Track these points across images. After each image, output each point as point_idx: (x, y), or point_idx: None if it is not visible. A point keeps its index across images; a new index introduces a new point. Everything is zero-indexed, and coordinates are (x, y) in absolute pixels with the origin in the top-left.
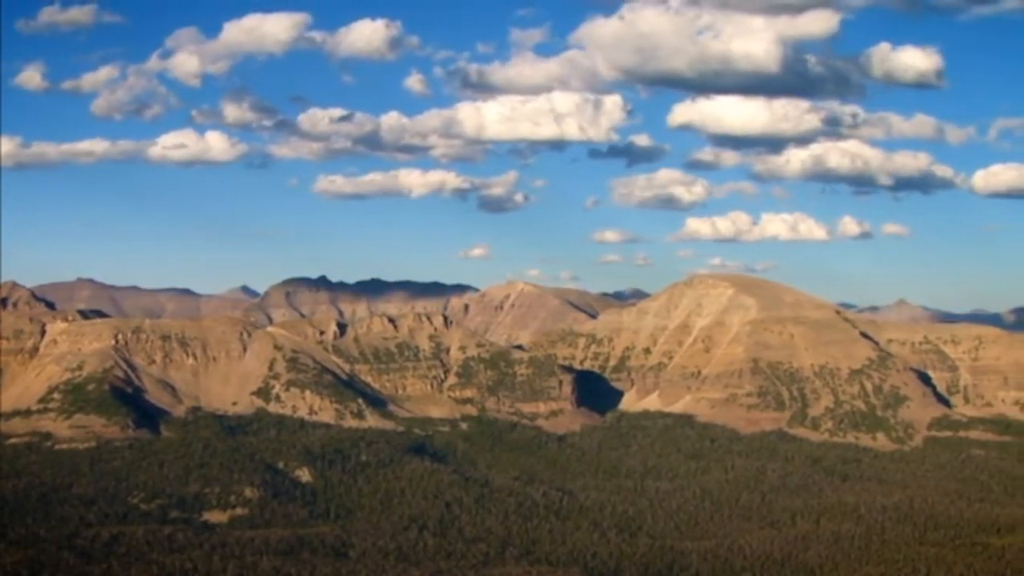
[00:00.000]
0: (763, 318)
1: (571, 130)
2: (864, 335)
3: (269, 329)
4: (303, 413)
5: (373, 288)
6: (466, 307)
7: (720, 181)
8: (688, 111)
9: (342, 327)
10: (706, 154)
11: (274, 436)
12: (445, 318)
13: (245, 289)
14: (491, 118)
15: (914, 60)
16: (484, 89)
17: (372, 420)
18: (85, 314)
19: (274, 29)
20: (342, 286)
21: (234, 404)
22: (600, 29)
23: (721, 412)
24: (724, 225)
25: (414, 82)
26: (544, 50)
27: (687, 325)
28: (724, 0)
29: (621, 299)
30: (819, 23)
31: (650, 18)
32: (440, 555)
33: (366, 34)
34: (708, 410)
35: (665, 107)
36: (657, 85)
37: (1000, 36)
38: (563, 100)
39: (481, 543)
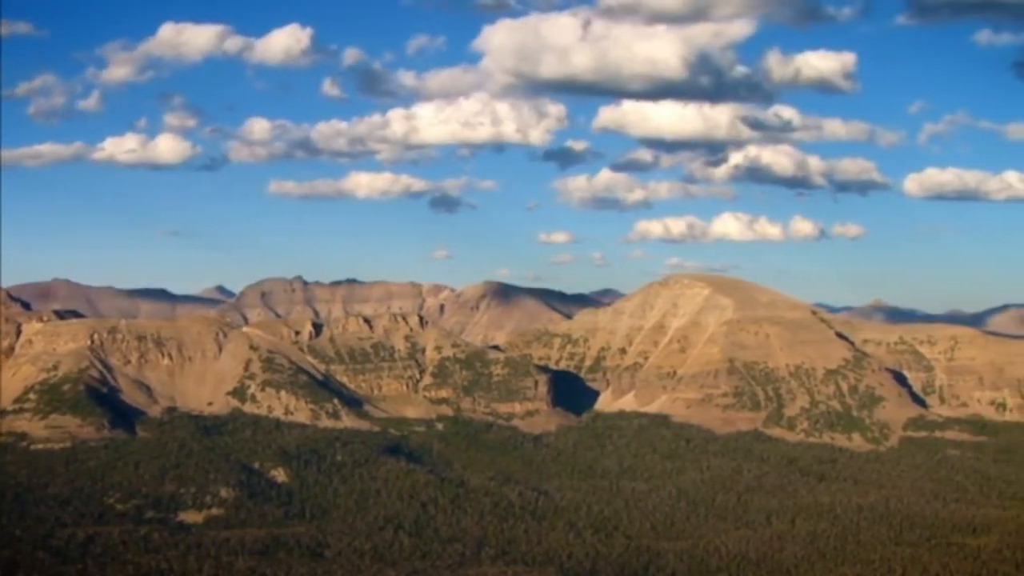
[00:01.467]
0: (739, 318)
1: (504, 134)
2: (840, 335)
3: (245, 329)
4: (279, 413)
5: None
6: (441, 307)
7: (662, 183)
8: (613, 115)
9: (318, 327)
10: (642, 156)
11: (249, 436)
12: (421, 318)
13: (220, 289)
14: (424, 123)
15: (827, 65)
16: (397, 95)
17: (348, 420)
18: (61, 314)
19: (199, 39)
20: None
21: (209, 404)
22: (501, 36)
23: (697, 412)
24: (677, 226)
25: (329, 87)
26: (449, 57)
27: (663, 325)
28: (610, 10)
29: (596, 299)
30: (719, 32)
31: (550, 26)
32: (416, 555)
33: (286, 42)
34: (684, 410)
35: (582, 112)
36: (571, 92)
37: (903, 45)
38: (487, 106)
39: (457, 543)
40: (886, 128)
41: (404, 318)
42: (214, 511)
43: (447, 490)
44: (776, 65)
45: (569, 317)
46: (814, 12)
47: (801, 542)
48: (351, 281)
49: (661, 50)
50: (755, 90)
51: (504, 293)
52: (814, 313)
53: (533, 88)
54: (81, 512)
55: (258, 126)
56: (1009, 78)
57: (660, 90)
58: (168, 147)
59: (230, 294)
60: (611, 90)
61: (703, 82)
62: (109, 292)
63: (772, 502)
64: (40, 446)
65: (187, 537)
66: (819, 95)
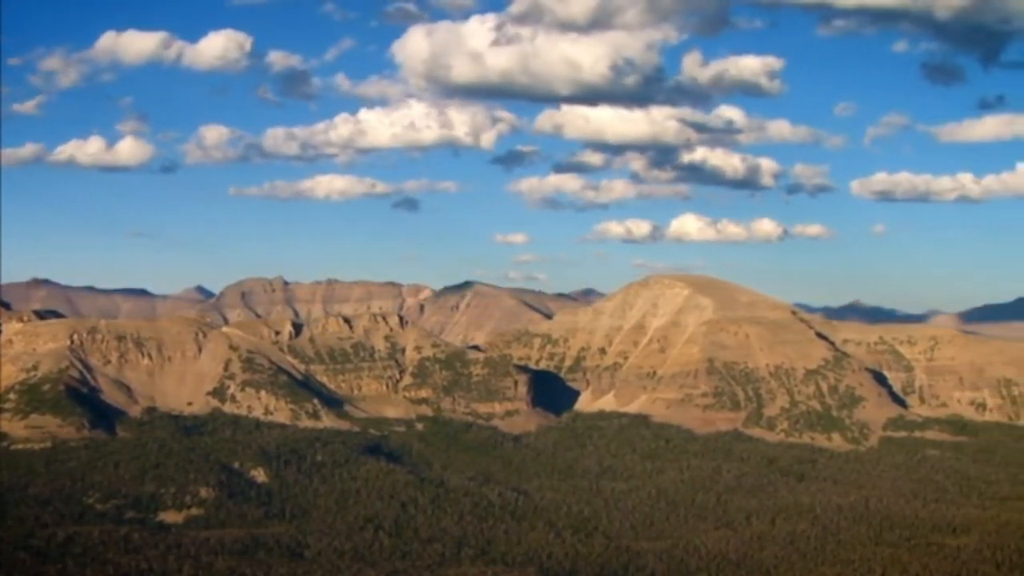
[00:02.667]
0: (719, 318)
1: (452, 138)
2: (820, 335)
3: (224, 329)
4: (258, 413)
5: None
6: (421, 307)
7: (615, 184)
8: (553, 119)
9: (297, 327)
10: (590, 158)
11: (229, 436)
12: (400, 318)
13: (200, 289)
14: (372, 127)
15: (752, 69)
16: (324, 100)
17: (328, 420)
18: (41, 314)
19: (139, 46)
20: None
21: (189, 404)
22: (419, 43)
23: (676, 412)
24: (637, 227)
25: (267, 92)
26: (374, 64)
27: (642, 325)
28: (518, 18)
29: (576, 300)
30: (636, 39)
31: (470, 32)
32: (396, 555)
33: (224, 47)
34: (663, 410)
35: (522, 116)
36: (498, 97)
37: (817, 53)
38: (432, 110)
39: (437, 543)
40: (815, 129)
41: (384, 318)
42: (194, 511)
43: (427, 490)
44: (699, 70)
45: (549, 317)
46: (723, 22)
47: (781, 542)
48: (331, 281)
49: (585, 55)
50: (685, 94)
51: (483, 293)
52: (794, 313)
53: (461, 93)
54: (61, 512)
55: (211, 131)
56: (918, 79)
57: (589, 94)
58: (128, 150)
59: (210, 294)
60: (539, 95)
61: (633, 86)
62: (89, 292)
63: (752, 502)
64: (20, 446)
65: (167, 537)
66: (746, 99)
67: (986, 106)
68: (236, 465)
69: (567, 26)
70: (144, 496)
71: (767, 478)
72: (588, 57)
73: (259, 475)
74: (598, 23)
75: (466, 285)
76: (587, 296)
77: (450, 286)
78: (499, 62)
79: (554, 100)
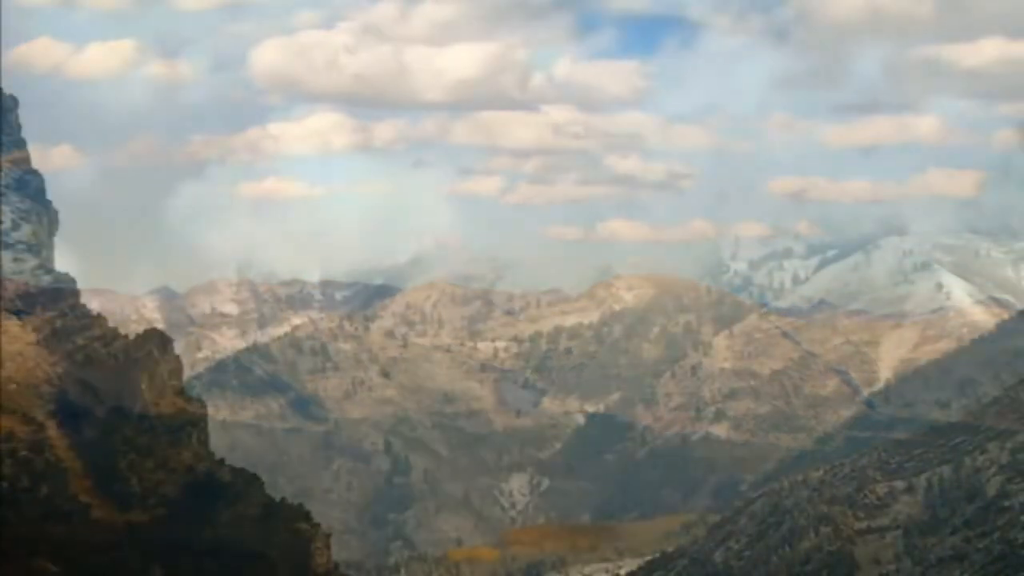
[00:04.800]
0: (685, 318)
1: (362, 142)
2: (785, 335)
3: (191, 329)
4: (226, 414)
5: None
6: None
7: (533, 188)
8: (445, 124)
9: (264, 327)
10: (500, 163)
11: (196, 436)
12: (368, 318)
13: (167, 289)
14: (282, 134)
15: (628, 73)
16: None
17: (295, 421)
18: None
19: (44, 55)
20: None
21: (156, 404)
22: (273, 55)
23: (643, 412)
24: (569, 230)
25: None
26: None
27: (608, 325)
28: (369, 31)
29: (543, 299)
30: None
31: (325, 42)
32: (365, 554)
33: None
34: (630, 410)
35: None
36: (376, 105)
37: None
38: (342, 116)
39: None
40: (710, 133)
41: (351, 318)
42: (160, 511)
43: (396, 489)
44: (572, 75)
45: (515, 316)
46: (574, 35)
47: (748, 543)
48: (298, 280)
49: (451, 61)
50: (565, 98)
51: (451, 293)
52: (760, 313)
53: (330, 100)
54: (26, 512)
55: (136, 139)
56: (782, 84)
57: (464, 101)
58: (60, 156)
59: (176, 294)
60: (413, 103)
61: (511, 90)
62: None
63: (718, 502)
64: None
65: (134, 537)
66: (629, 103)
67: (861, 110)
68: (203, 465)
69: (415, 39)
70: (111, 496)
71: (733, 478)
72: (456, 63)
73: (225, 475)
74: (439, 39)
75: (431, 286)
76: (553, 295)
77: (417, 286)
78: (362, 70)
79: (432, 107)
